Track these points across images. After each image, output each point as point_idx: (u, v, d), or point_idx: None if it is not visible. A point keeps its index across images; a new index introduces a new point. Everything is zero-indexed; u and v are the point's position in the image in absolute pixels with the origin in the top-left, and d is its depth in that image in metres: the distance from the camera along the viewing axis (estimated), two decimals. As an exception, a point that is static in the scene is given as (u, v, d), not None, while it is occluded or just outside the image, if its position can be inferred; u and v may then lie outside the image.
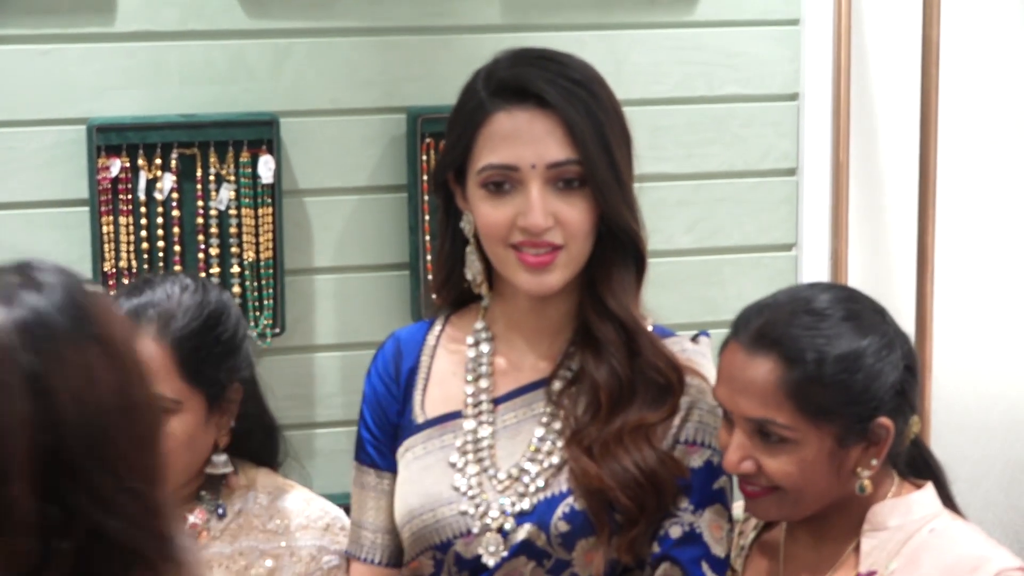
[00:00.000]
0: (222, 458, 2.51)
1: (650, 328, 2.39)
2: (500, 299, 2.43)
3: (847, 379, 2.23)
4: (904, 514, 2.25)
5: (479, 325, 2.45)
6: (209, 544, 2.49)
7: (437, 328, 2.51)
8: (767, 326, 2.23)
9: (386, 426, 2.48)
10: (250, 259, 3.09)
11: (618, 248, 2.36)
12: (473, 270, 2.40)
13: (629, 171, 2.36)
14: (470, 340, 2.45)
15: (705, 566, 2.30)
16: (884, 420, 2.22)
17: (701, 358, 2.40)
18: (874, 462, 2.25)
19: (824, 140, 3.34)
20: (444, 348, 2.49)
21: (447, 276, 2.47)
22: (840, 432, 2.21)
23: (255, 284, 3.09)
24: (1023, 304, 3.70)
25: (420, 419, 2.43)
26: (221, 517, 2.50)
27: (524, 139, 2.27)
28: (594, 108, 2.30)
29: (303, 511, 2.55)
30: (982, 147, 3.55)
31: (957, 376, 3.62)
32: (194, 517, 2.48)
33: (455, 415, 2.40)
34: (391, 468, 2.45)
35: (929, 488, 2.31)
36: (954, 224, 3.52)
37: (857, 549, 2.25)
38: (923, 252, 3.37)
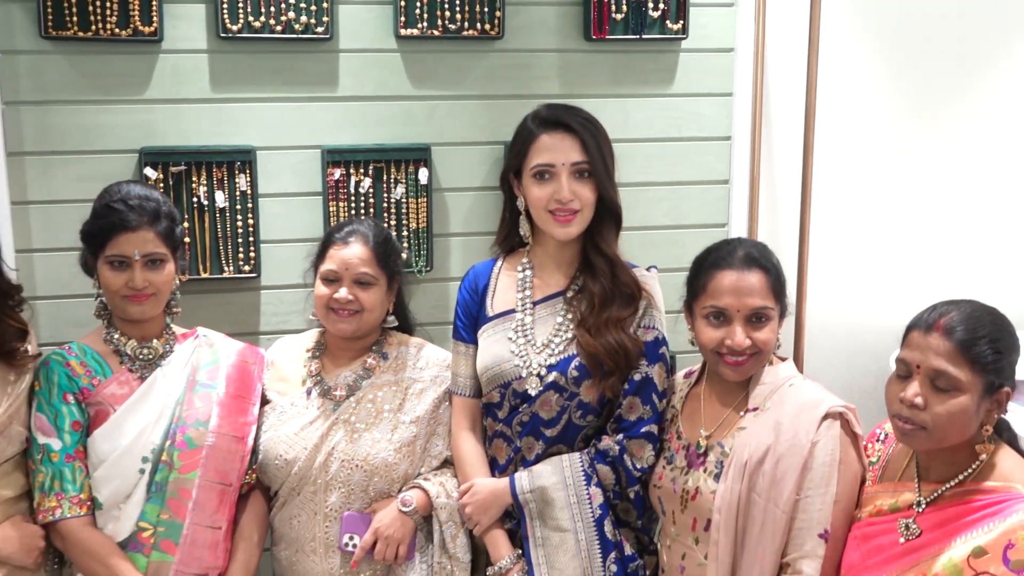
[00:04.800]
0: (391, 317, 2.62)
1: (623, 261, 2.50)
2: (537, 245, 2.55)
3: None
4: (774, 376, 2.34)
5: (525, 260, 2.57)
6: (381, 375, 2.57)
7: (499, 264, 2.62)
8: (749, 253, 2.32)
9: (470, 318, 2.59)
10: (413, 227, 3.08)
11: (606, 213, 2.47)
12: (524, 229, 2.53)
13: (613, 170, 2.48)
14: (519, 268, 2.56)
15: (653, 396, 2.43)
16: None
17: (652, 281, 2.50)
18: None
19: (744, 164, 3.30)
20: (504, 274, 2.59)
21: (507, 233, 2.60)
22: (783, 312, 2.35)
23: (416, 242, 3.08)
24: (881, 258, 3.60)
25: (490, 313, 2.55)
26: (385, 359, 2.60)
27: (557, 149, 2.41)
28: (596, 133, 2.44)
29: (435, 355, 2.64)
30: (840, 165, 3.49)
31: (827, 311, 3.57)
32: (371, 359, 2.58)
33: (511, 311, 2.53)
34: (474, 342, 2.57)
35: (789, 360, 2.42)
36: (824, 212, 3.46)
37: (746, 397, 2.34)
38: (803, 229, 3.35)
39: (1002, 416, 2.05)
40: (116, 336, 2.46)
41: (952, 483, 2.02)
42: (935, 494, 2.03)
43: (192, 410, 2.43)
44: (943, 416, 1.96)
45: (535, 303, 2.52)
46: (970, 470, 2.01)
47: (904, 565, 2.01)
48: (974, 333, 1.97)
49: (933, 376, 1.97)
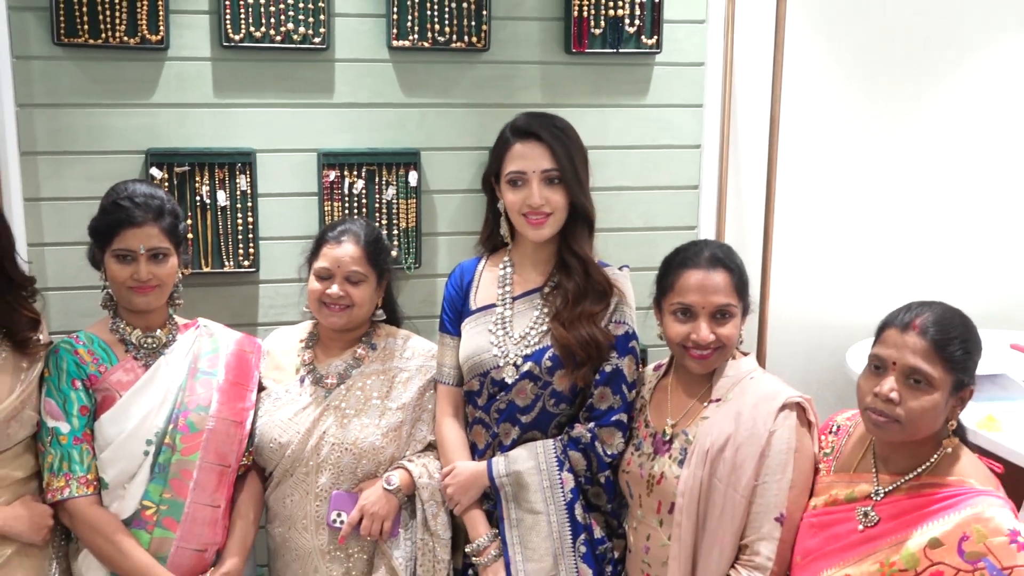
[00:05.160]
0: (380, 311, 2.62)
1: (597, 261, 2.49)
2: (516, 245, 2.54)
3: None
4: (736, 369, 2.34)
5: (505, 259, 2.56)
6: (369, 364, 2.56)
7: (482, 262, 2.60)
8: (715, 254, 2.31)
9: (455, 311, 2.58)
10: (403, 226, 3.08)
11: (579, 217, 2.46)
12: (504, 230, 2.52)
13: (586, 176, 2.46)
14: (501, 266, 2.56)
15: (623, 387, 2.43)
16: None
17: (624, 279, 2.49)
18: None
19: (713, 170, 3.29)
20: (487, 271, 2.58)
21: (489, 233, 2.59)
22: (745, 309, 2.34)
23: (406, 241, 3.09)
24: (838, 260, 3.65)
25: (473, 307, 2.54)
26: (374, 349, 2.59)
27: (529, 157, 2.41)
28: (567, 142, 2.41)
29: (421, 346, 2.64)
30: (801, 172, 3.54)
31: (788, 309, 3.60)
32: (360, 350, 2.57)
33: (492, 306, 2.53)
34: (458, 334, 2.56)
35: (752, 355, 2.41)
36: (786, 216, 3.51)
37: (710, 388, 2.33)
38: (767, 232, 3.36)
39: None
40: (122, 326, 2.45)
41: (911, 475, 2.02)
42: (893, 485, 2.03)
43: (194, 396, 2.42)
44: (916, 411, 1.96)
45: (514, 298, 2.52)
46: (929, 463, 2.01)
47: (863, 552, 2.01)
48: (947, 333, 1.97)
49: (908, 373, 1.97)
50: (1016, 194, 3.79)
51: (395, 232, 3.09)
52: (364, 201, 3.07)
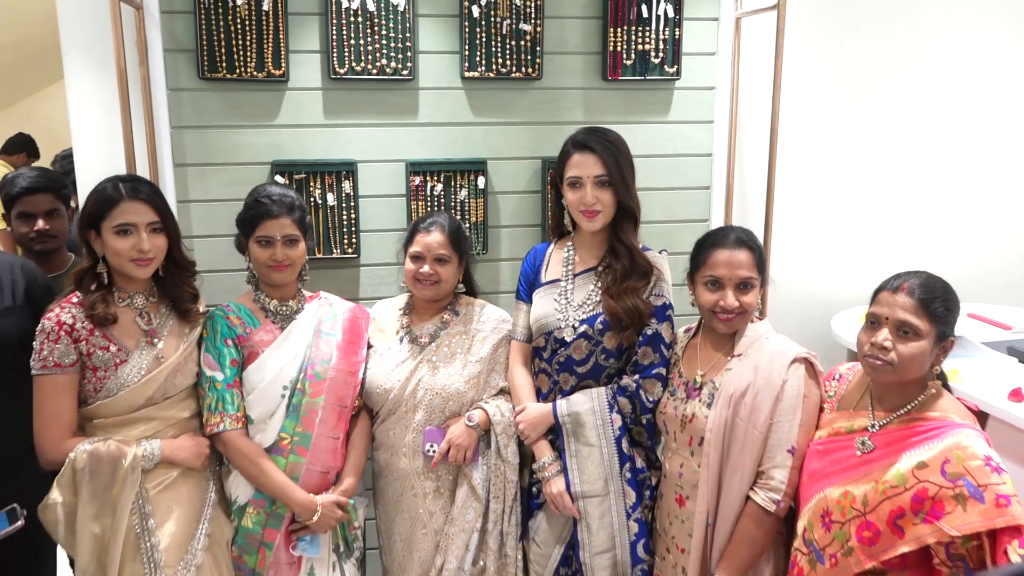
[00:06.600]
0: (460, 285, 2.68)
1: (640, 246, 2.52)
2: (577, 233, 2.58)
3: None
4: (755, 330, 2.36)
5: (569, 244, 2.59)
6: (454, 327, 2.62)
7: (551, 246, 2.64)
8: (740, 236, 2.32)
9: (528, 283, 2.62)
10: (473, 221, 3.13)
11: (626, 213, 2.48)
12: (567, 220, 2.56)
13: (632, 180, 2.47)
14: (564, 250, 2.59)
15: (662, 347, 2.47)
16: None
17: (663, 261, 2.53)
18: None
19: (722, 175, 3.30)
20: (554, 253, 2.62)
21: (556, 224, 2.64)
22: (763, 282, 2.35)
23: (475, 232, 3.13)
24: (825, 247, 3.61)
25: (543, 280, 2.58)
26: (457, 315, 2.65)
27: (584, 165, 2.43)
28: (616, 153, 2.43)
29: (494, 312, 2.68)
30: (796, 177, 3.52)
31: (783, 287, 3.59)
32: (447, 315, 2.63)
33: (557, 280, 2.56)
34: (529, 301, 2.60)
35: (767, 320, 2.42)
36: (783, 212, 3.49)
37: (733, 345, 2.36)
38: (767, 225, 3.25)
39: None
40: (262, 297, 2.53)
41: (902, 411, 2.03)
42: (887, 419, 2.04)
43: (318, 352, 2.50)
44: (906, 355, 1.97)
45: (575, 275, 2.55)
46: (917, 401, 2.03)
47: (859, 473, 2.02)
48: (931, 293, 1.98)
49: (899, 325, 1.98)
50: (974, 189, 3.76)
51: (467, 225, 3.12)
52: (442, 201, 3.11)
